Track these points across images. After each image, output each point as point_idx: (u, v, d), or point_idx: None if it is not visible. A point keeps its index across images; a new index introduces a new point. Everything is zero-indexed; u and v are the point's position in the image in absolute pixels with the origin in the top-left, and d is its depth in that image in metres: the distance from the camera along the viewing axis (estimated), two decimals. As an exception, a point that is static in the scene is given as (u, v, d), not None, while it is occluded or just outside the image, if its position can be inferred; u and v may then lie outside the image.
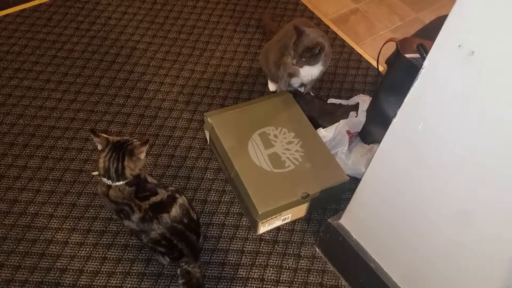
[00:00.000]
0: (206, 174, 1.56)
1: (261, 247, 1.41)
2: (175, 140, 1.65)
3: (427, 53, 1.34)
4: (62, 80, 1.79)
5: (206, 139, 1.64)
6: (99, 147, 1.17)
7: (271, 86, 1.80)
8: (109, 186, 1.17)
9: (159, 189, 1.20)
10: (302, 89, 1.74)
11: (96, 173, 1.18)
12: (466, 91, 0.77)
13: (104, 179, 1.16)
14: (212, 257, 1.38)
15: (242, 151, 1.46)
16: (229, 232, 1.43)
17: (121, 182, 1.16)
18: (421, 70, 0.81)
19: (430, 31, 1.56)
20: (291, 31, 1.50)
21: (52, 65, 1.83)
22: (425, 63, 0.80)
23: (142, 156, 1.17)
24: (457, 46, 0.73)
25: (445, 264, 1.00)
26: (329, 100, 1.74)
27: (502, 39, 0.68)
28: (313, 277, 1.36)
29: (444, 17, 0.74)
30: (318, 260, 1.40)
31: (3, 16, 2.00)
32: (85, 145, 1.60)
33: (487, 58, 0.71)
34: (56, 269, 1.32)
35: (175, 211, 1.18)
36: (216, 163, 1.59)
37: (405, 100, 0.88)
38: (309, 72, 1.57)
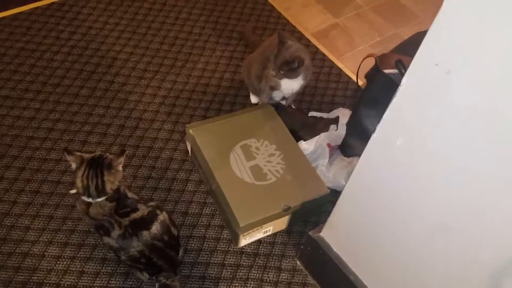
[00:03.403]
0: (187, 186, 1.56)
1: (242, 260, 1.41)
2: (156, 152, 1.64)
3: (405, 68, 1.38)
4: (41, 89, 1.76)
5: (187, 150, 1.64)
6: (73, 165, 1.13)
7: (253, 99, 1.82)
8: (89, 204, 1.15)
9: (139, 205, 1.18)
10: (283, 102, 1.76)
11: (74, 191, 1.16)
12: (442, 109, 0.79)
13: (84, 198, 1.14)
14: (192, 271, 1.37)
15: (224, 163, 1.46)
16: (210, 245, 1.43)
17: (101, 198, 1.14)
18: (399, 87, 0.83)
19: (408, 47, 1.60)
20: (274, 45, 1.52)
21: (31, 74, 1.81)
22: (403, 80, 0.82)
23: (120, 167, 1.16)
24: (434, 65, 0.75)
25: (425, 275, 1.02)
26: (310, 113, 1.76)
27: (476, 59, 0.70)
28: (294, 289, 1.36)
29: (422, 33, 0.77)
30: (299, 273, 1.40)
31: (-20, 23, 1.97)
32: (64, 156, 1.57)
33: (462, 77, 0.73)
34: (32, 283, 1.29)
35: (155, 228, 1.16)
36: (198, 175, 1.59)
37: (384, 116, 0.90)
38: (290, 86, 1.59)
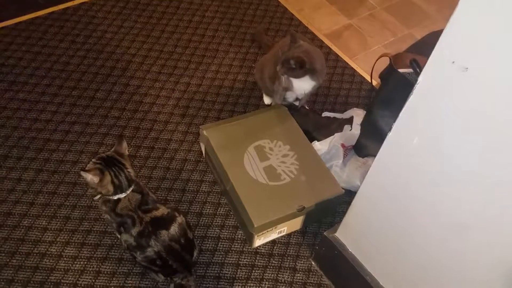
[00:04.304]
0: (202, 187, 1.57)
1: (256, 261, 1.41)
2: (170, 153, 1.65)
3: (420, 68, 1.37)
4: (57, 92, 1.79)
5: (201, 151, 1.65)
6: (96, 179, 1.14)
7: (266, 100, 1.82)
8: (118, 201, 1.17)
9: (159, 205, 1.22)
10: (297, 103, 1.76)
11: (98, 196, 1.19)
12: (459, 107, 0.78)
13: (115, 197, 1.17)
14: (207, 271, 1.37)
15: (238, 164, 1.46)
16: (224, 245, 1.43)
17: (131, 187, 1.18)
18: (415, 85, 0.83)
19: (422, 47, 1.59)
20: (287, 46, 1.53)
21: (47, 77, 1.84)
22: (420, 78, 0.82)
23: (127, 152, 1.23)
24: (451, 63, 0.74)
25: (441, 276, 1.01)
26: (323, 113, 1.76)
27: (494, 56, 0.70)
28: (309, 290, 1.36)
29: (436, 33, 0.77)
30: (314, 273, 1.40)
31: (-2, 28, 2.01)
32: (80, 158, 1.59)
33: (480, 74, 0.72)
34: (50, 283, 1.30)
35: (173, 229, 1.18)
36: (212, 175, 1.60)
37: (400, 115, 0.89)
38: (302, 86, 1.59)
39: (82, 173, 1.13)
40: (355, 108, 1.74)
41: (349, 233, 1.23)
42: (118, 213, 1.18)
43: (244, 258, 1.41)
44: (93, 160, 1.19)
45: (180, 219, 1.21)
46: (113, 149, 1.21)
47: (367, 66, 2.02)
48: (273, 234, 1.42)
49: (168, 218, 1.19)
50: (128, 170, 1.18)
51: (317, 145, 1.57)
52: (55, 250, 1.37)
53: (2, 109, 1.71)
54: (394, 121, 0.92)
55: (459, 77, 0.75)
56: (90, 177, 1.13)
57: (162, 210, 1.20)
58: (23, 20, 2.05)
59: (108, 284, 1.32)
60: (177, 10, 2.20)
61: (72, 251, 1.37)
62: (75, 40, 2.00)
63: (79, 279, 1.32)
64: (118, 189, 1.17)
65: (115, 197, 1.17)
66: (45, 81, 1.83)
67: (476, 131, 0.78)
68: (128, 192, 1.18)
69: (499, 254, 0.86)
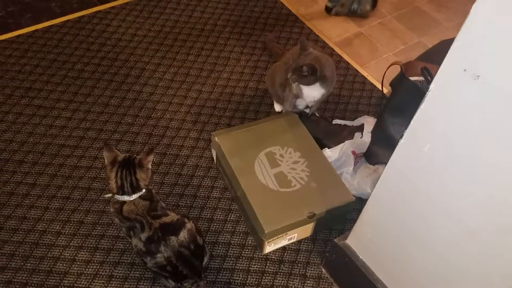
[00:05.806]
0: (213, 193, 1.58)
1: (267, 267, 1.41)
2: (182, 159, 1.67)
3: (431, 76, 1.38)
4: (72, 99, 1.82)
5: (212, 158, 1.66)
6: (106, 158, 1.21)
7: (277, 107, 1.83)
8: (123, 202, 1.20)
9: (168, 211, 1.23)
10: (307, 111, 1.77)
11: (109, 195, 1.22)
12: (471, 114, 0.79)
13: (118, 197, 1.19)
14: (218, 277, 1.38)
15: (249, 170, 1.47)
16: (235, 251, 1.44)
17: (136, 194, 1.20)
18: (427, 93, 0.84)
19: (433, 55, 1.60)
20: (297, 54, 1.54)
21: (62, 84, 1.87)
22: (431, 86, 0.83)
23: (150, 165, 1.23)
24: (463, 70, 0.75)
25: (454, 285, 1.01)
26: (334, 121, 1.77)
27: (506, 64, 0.70)
28: (319, 297, 1.36)
29: (447, 41, 0.77)
30: (324, 280, 1.40)
31: (15, 36, 2.05)
32: (94, 164, 1.62)
33: (492, 82, 0.73)
34: (63, 287, 1.32)
35: (183, 235, 1.19)
36: (223, 182, 1.61)
37: (412, 122, 0.90)
38: (311, 94, 1.60)
39: (105, 148, 1.21)
40: (365, 116, 1.74)
41: (360, 240, 1.24)
42: (125, 216, 1.20)
43: (255, 264, 1.41)
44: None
45: (189, 225, 1.22)
46: (139, 155, 1.23)
47: (377, 74, 2.03)
48: (284, 241, 1.43)
49: (177, 224, 1.20)
50: (137, 178, 1.20)
51: (327, 152, 1.58)
52: (68, 254, 1.39)
53: (18, 115, 1.75)
54: (405, 129, 0.92)
55: (471, 85, 0.75)
56: (105, 153, 1.20)
57: (172, 216, 1.21)
58: (39, 28, 2.10)
59: (120, 289, 1.33)
60: (190, 19, 2.23)
61: (85, 256, 1.39)
62: (90, 48, 2.04)
63: (92, 283, 1.34)
64: (120, 189, 1.19)
65: (119, 198, 1.20)
66: (60, 88, 1.86)
67: (488, 139, 0.78)
68: (132, 197, 1.20)
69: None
